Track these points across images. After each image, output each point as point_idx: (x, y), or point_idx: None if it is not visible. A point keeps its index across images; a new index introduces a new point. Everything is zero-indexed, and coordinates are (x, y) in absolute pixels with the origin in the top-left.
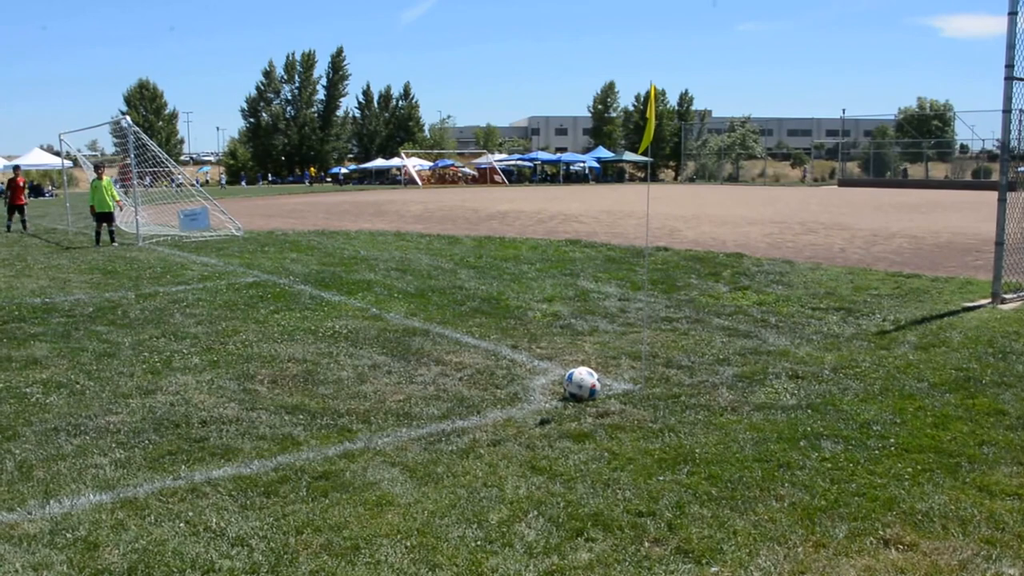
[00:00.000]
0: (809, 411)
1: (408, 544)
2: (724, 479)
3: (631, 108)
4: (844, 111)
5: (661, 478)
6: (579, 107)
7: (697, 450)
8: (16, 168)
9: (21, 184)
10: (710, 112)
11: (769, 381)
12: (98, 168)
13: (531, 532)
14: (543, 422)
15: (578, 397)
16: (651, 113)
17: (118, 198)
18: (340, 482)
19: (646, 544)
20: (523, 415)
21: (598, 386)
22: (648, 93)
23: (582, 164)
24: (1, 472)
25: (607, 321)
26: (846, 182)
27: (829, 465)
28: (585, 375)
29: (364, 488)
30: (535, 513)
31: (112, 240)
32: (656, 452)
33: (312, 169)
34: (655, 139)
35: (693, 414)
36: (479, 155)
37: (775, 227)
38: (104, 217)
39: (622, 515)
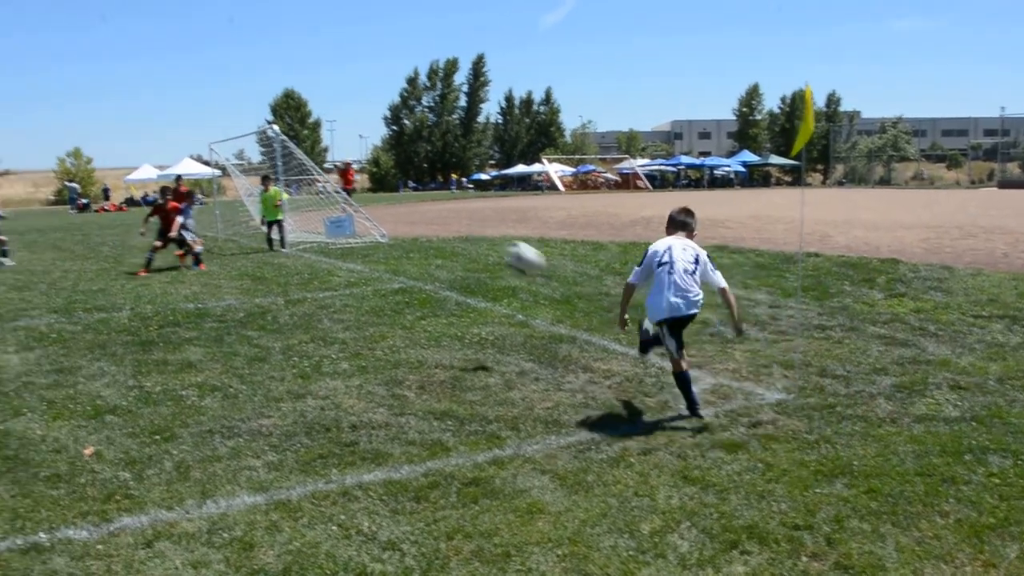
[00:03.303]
0: (974, 424)
1: (559, 553)
2: (884, 493)
3: (777, 110)
4: (1003, 109)
5: (818, 491)
6: (723, 110)
7: (855, 462)
8: (178, 178)
9: (184, 192)
10: (859, 113)
11: (930, 392)
12: (265, 180)
13: (684, 543)
14: (695, 431)
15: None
16: (808, 115)
17: (278, 201)
18: (490, 489)
19: (804, 559)
20: (674, 424)
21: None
22: (797, 94)
23: (727, 168)
24: (160, 472)
25: (757, 329)
26: (1006, 183)
27: (997, 481)
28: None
29: (514, 495)
30: (688, 524)
31: (281, 246)
32: (812, 464)
33: (455, 174)
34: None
35: (850, 425)
36: (621, 160)
37: (931, 231)
38: (273, 224)
39: (778, 528)
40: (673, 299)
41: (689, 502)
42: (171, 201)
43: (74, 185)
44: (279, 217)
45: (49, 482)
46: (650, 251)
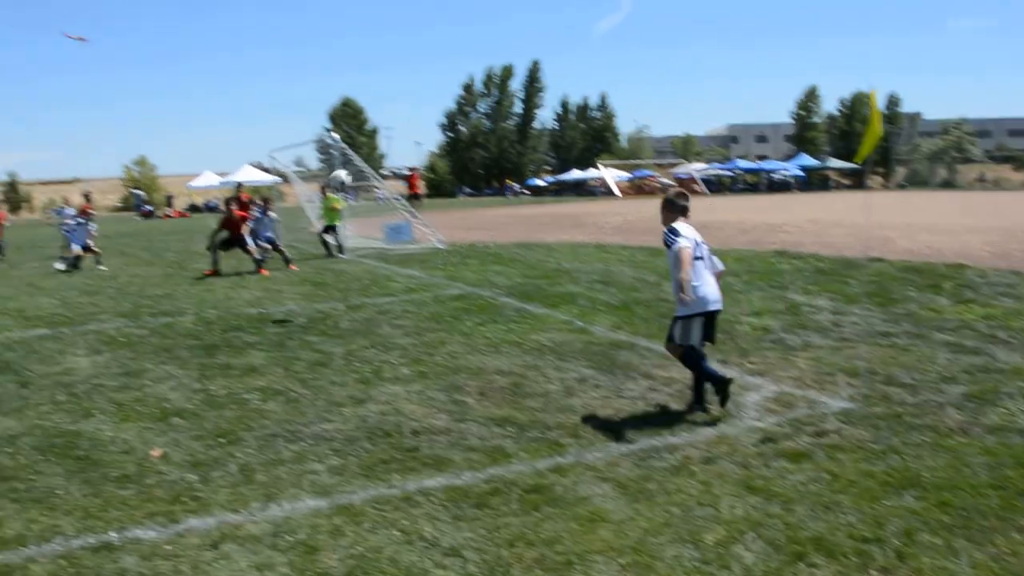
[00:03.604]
0: None
1: (622, 562)
2: (956, 506)
3: (835, 113)
4: None
5: (886, 503)
6: (780, 113)
7: (925, 474)
8: (239, 186)
9: (246, 199)
10: (920, 115)
11: (1002, 401)
12: (323, 188)
13: (749, 555)
14: (758, 440)
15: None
16: (874, 120)
17: (337, 207)
18: (551, 496)
19: (873, 572)
20: (736, 432)
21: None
22: (856, 97)
23: (784, 172)
24: (226, 474)
25: (820, 336)
26: None
27: None
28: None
29: (576, 503)
30: (753, 535)
31: (339, 251)
32: (880, 475)
33: (509, 180)
34: (862, 145)
35: (918, 435)
36: (677, 165)
37: (998, 235)
38: (327, 229)
39: (846, 540)
40: (714, 293)
41: (753, 512)
42: (236, 211)
43: (140, 192)
44: (335, 222)
45: (119, 482)
46: (686, 235)
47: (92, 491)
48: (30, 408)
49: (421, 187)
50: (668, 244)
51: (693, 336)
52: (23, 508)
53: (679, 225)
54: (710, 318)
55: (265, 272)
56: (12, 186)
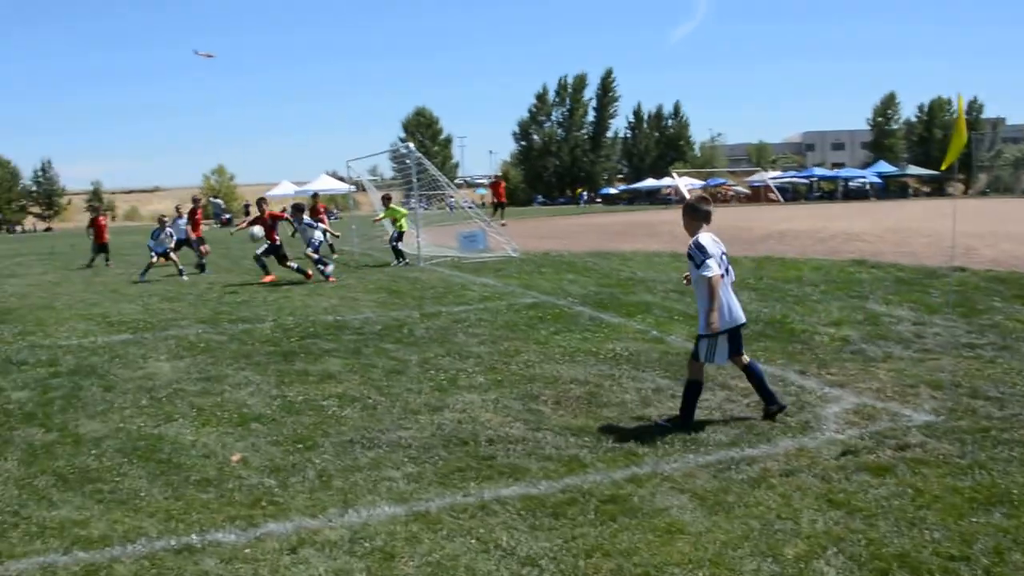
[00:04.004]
0: None
1: (700, 575)
2: None
3: (914, 119)
4: None
5: (974, 520)
6: (857, 120)
7: (1015, 491)
8: (315, 195)
9: (322, 210)
10: (1003, 120)
11: None
12: (385, 199)
13: (831, 570)
14: (839, 453)
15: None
16: (960, 126)
17: (398, 217)
18: (628, 507)
19: None
20: (816, 445)
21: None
22: (935, 102)
23: (861, 179)
24: (304, 480)
25: (901, 347)
26: None
27: None
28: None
29: (653, 514)
30: (834, 550)
31: (399, 258)
32: (966, 491)
33: (579, 190)
34: (942, 152)
35: (1007, 450)
36: (752, 173)
37: None
38: (399, 237)
39: (931, 557)
40: (737, 307)
41: (835, 527)
42: (269, 211)
43: (218, 201)
44: (401, 230)
45: (199, 486)
46: (713, 253)
47: (174, 494)
48: (114, 411)
49: (505, 195)
50: (695, 263)
51: (719, 354)
52: (107, 509)
53: (704, 239)
54: (735, 332)
55: (310, 275)
56: (96, 194)
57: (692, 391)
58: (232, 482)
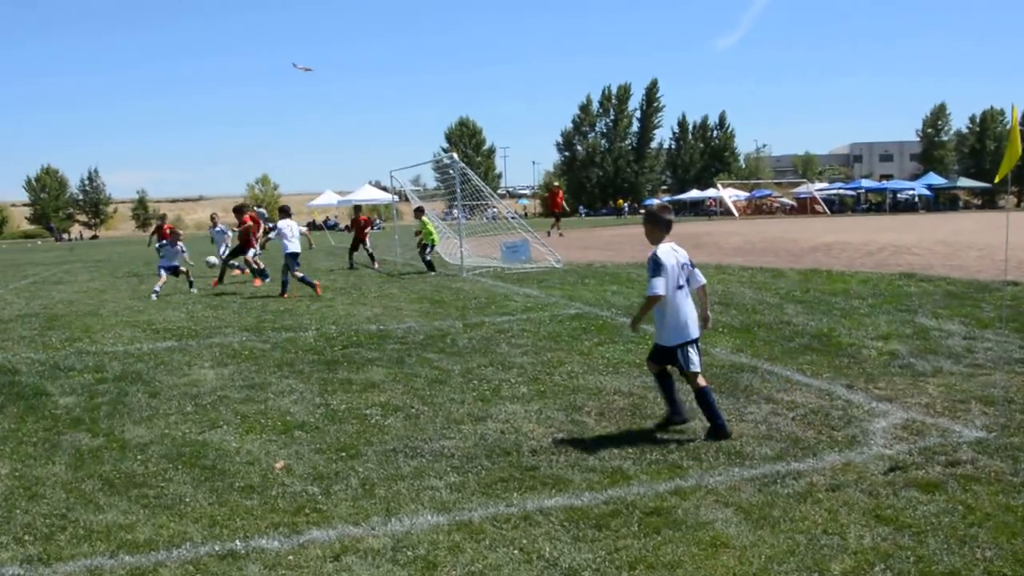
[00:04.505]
0: None
1: None
2: None
3: (965, 130)
4: None
5: None
6: (906, 131)
7: None
8: (358, 207)
9: (364, 221)
10: None
11: None
12: (418, 212)
13: None
14: (887, 469)
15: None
16: (1014, 137)
17: (431, 230)
18: (672, 519)
19: None
20: (863, 460)
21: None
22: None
23: (910, 191)
24: (347, 488)
25: (951, 361)
26: None
27: None
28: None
29: (697, 527)
30: (882, 566)
31: (428, 268)
32: (1019, 509)
33: (620, 201)
34: (994, 163)
35: None
36: (798, 184)
37: None
38: (427, 248)
39: None
40: (692, 323)
41: (882, 543)
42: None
43: (262, 210)
44: (431, 243)
45: (243, 492)
46: (666, 265)
47: (218, 500)
48: (159, 418)
49: (563, 204)
50: (648, 274)
51: (692, 361)
52: (153, 514)
53: (663, 251)
54: (685, 346)
55: (259, 283)
56: (141, 203)
57: (663, 384)
58: (276, 489)
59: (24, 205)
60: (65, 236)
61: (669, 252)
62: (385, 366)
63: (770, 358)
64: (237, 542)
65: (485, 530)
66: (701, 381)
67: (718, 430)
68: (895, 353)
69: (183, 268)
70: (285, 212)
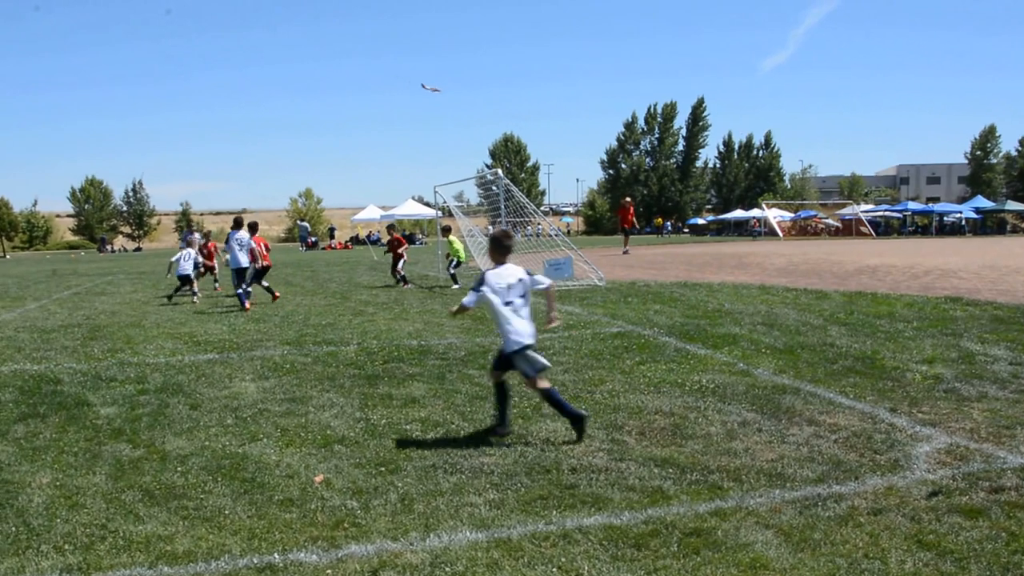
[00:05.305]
0: None
1: None
2: None
3: (1014, 153)
4: None
5: None
6: (953, 154)
7: None
8: (391, 227)
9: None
10: None
11: None
12: (445, 230)
13: None
14: (930, 494)
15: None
16: None
17: (457, 248)
18: (712, 540)
19: None
20: (906, 484)
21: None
22: None
23: (957, 214)
24: (386, 502)
25: (997, 387)
26: None
27: None
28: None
29: (737, 548)
30: None
31: (452, 281)
32: None
33: (659, 220)
34: None
35: None
36: (843, 205)
37: None
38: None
39: None
40: (525, 331)
41: (924, 568)
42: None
43: (305, 224)
44: (459, 259)
45: (282, 505)
46: (492, 283)
47: (257, 513)
48: (200, 430)
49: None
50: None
51: (537, 363)
52: (192, 526)
53: (491, 273)
54: (521, 350)
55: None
56: (185, 215)
57: (499, 395)
58: (315, 503)
59: (68, 216)
60: (108, 247)
61: (500, 273)
62: (426, 381)
63: (813, 380)
64: (276, 555)
65: (524, 547)
66: (542, 383)
67: (575, 420)
68: (940, 377)
69: (193, 276)
70: (239, 224)
